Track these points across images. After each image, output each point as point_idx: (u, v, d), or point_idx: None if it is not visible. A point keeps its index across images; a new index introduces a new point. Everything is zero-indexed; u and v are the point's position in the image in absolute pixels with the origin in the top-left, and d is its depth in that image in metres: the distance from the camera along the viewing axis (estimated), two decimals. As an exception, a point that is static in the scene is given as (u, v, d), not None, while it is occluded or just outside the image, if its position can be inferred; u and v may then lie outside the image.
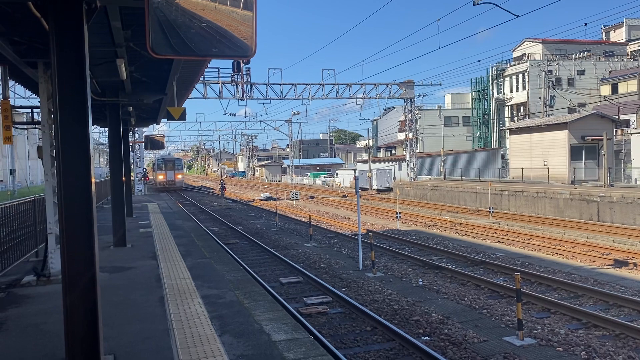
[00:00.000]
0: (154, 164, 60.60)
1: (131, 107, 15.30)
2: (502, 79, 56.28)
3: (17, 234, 9.82)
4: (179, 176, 53.39)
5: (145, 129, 39.86)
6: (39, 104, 8.93)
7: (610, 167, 27.04)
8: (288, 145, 73.11)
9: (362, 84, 35.20)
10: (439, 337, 8.17)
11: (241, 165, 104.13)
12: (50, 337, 5.77)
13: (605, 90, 47.67)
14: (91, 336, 4.65)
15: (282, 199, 38.05)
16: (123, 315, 6.63)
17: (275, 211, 25.29)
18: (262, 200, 39.06)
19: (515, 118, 53.49)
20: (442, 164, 39.33)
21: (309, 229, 18.89)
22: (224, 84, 31.85)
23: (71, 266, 4.62)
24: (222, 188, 37.99)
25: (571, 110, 46.25)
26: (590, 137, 30.83)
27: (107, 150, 18.19)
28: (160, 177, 52.10)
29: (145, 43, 4.35)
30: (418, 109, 46.64)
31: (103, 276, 8.38)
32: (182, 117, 13.43)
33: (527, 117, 48.82)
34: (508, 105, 55.68)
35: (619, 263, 13.22)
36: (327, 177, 60.39)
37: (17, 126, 10.65)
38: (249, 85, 32.54)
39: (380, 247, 15.97)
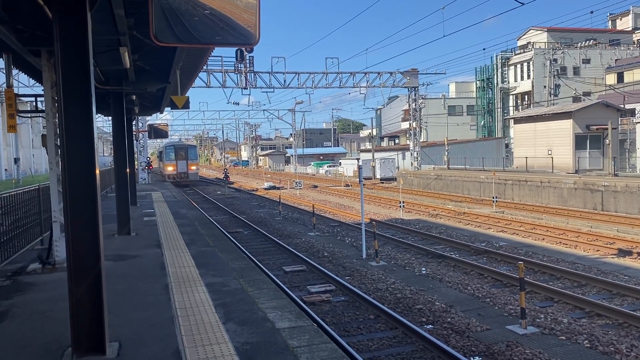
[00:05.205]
0: (160, 152, 50.58)
1: (135, 96, 15.28)
2: (506, 68, 55.92)
3: (22, 222, 9.86)
4: (193, 167, 43.76)
5: (148, 117, 39.83)
6: (42, 93, 8.92)
7: (614, 157, 26.91)
8: (291, 134, 73.03)
9: (365, 73, 35.05)
10: (442, 326, 8.21)
11: (244, 155, 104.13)
12: (56, 324, 5.81)
13: (611, 79, 47.32)
14: (96, 323, 4.70)
15: (286, 188, 38.08)
16: (128, 303, 6.67)
17: (278, 200, 25.31)
18: (265, 189, 39.10)
19: (520, 107, 53.25)
20: (446, 153, 39.24)
21: (313, 218, 18.92)
22: (227, 73, 31.79)
23: (76, 254, 4.65)
24: (226, 177, 38.03)
25: (576, 99, 45.96)
26: (595, 127, 30.67)
27: (111, 139, 18.20)
28: (170, 169, 42.61)
29: (148, 31, 4.34)
30: (422, 98, 46.40)
31: (108, 264, 8.43)
32: (186, 105, 13.40)
33: (531, 106, 48.56)
34: (512, 94, 55.38)
35: (622, 252, 13.20)
36: (330, 166, 60.36)
37: (21, 115, 10.63)
38: (252, 74, 32.45)
39: (383, 236, 16.00)
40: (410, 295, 9.88)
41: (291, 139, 76.53)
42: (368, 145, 63.75)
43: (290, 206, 26.41)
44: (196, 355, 4.86)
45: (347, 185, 38.59)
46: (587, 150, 31.18)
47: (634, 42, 55.96)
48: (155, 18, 4.20)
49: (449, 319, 8.47)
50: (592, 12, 58.63)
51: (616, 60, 50.49)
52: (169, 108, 23.44)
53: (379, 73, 35.45)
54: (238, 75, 32.07)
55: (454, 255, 13.16)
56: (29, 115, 12.09)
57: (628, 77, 45.65)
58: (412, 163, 39.78)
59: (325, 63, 60.43)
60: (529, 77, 52.40)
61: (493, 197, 24.04)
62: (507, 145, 48.44)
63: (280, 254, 14.18)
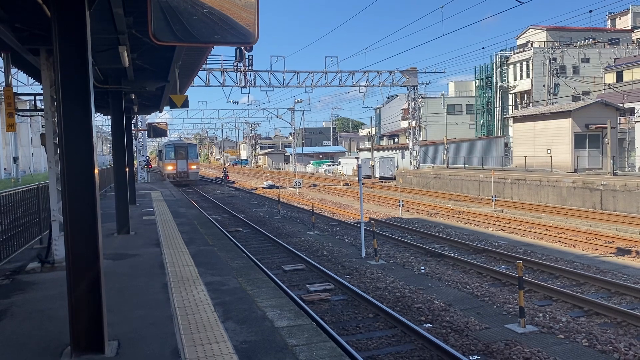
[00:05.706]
0: (160, 151, 49.74)
1: (134, 95, 15.26)
2: (506, 67, 55.92)
3: (21, 221, 9.85)
4: (194, 167, 42.97)
5: (147, 116, 39.75)
6: (41, 92, 8.90)
7: (613, 156, 26.95)
8: (291, 133, 72.98)
9: (365, 72, 35.03)
10: (441, 325, 8.22)
11: (244, 154, 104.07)
12: (55, 322, 5.82)
13: (610, 78, 47.34)
14: (95, 322, 4.70)
15: (285, 187, 38.07)
16: (127, 301, 6.67)
17: (277, 199, 25.31)
18: (264, 188, 39.09)
19: (519, 106, 53.25)
20: (445, 152, 39.26)
21: (312, 217, 18.92)
22: (227, 72, 31.74)
23: (75, 253, 4.65)
24: (225, 176, 38.03)
25: (575, 98, 45.99)
26: (594, 126, 30.69)
27: (110, 137, 18.18)
28: (170, 168, 41.75)
29: (147, 30, 4.34)
30: (421, 97, 46.44)
31: (107, 263, 8.43)
32: (185, 104, 13.38)
33: (530, 105, 48.57)
34: (512, 93, 55.38)
35: (621, 251, 13.22)
36: (329, 165, 60.35)
37: (20, 114, 10.64)
38: (251, 73, 32.41)
39: (382, 235, 16.01)
40: (409, 294, 9.89)
41: (290, 138, 76.49)
42: (367, 144, 63.77)
43: (289, 205, 26.41)
44: (195, 354, 4.86)
45: (347, 184, 38.59)
46: (586, 149, 31.21)
47: (633, 41, 55.98)
48: (154, 17, 4.20)
49: (448, 318, 8.48)
50: (591, 11, 58.79)
51: (615, 59, 50.50)
52: (168, 107, 23.42)
53: (378, 72, 35.43)
54: (237, 74, 32.04)
55: (453, 254, 13.17)
56: (28, 114, 12.09)
57: (627, 76, 45.67)
58: (411, 162, 39.78)
59: (325, 62, 60.32)
60: (528, 76, 52.40)
61: (492, 196, 24.05)
62: (506, 144, 48.47)
63: (279, 253, 14.18)
